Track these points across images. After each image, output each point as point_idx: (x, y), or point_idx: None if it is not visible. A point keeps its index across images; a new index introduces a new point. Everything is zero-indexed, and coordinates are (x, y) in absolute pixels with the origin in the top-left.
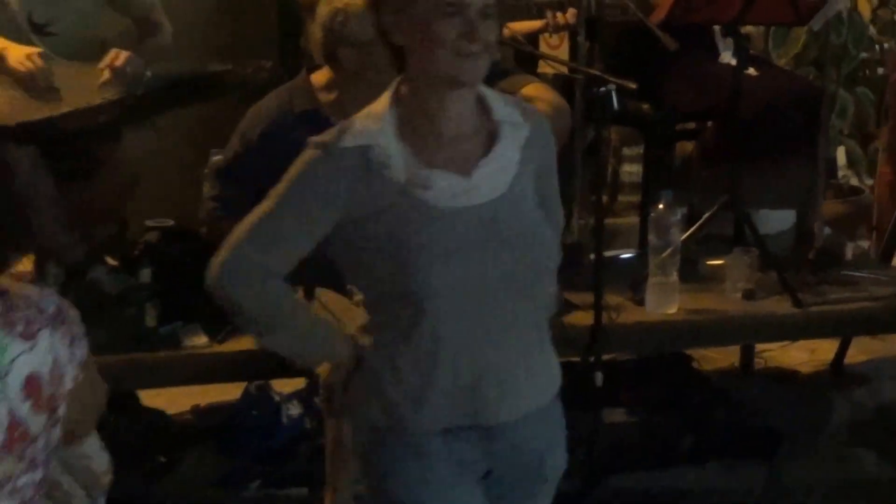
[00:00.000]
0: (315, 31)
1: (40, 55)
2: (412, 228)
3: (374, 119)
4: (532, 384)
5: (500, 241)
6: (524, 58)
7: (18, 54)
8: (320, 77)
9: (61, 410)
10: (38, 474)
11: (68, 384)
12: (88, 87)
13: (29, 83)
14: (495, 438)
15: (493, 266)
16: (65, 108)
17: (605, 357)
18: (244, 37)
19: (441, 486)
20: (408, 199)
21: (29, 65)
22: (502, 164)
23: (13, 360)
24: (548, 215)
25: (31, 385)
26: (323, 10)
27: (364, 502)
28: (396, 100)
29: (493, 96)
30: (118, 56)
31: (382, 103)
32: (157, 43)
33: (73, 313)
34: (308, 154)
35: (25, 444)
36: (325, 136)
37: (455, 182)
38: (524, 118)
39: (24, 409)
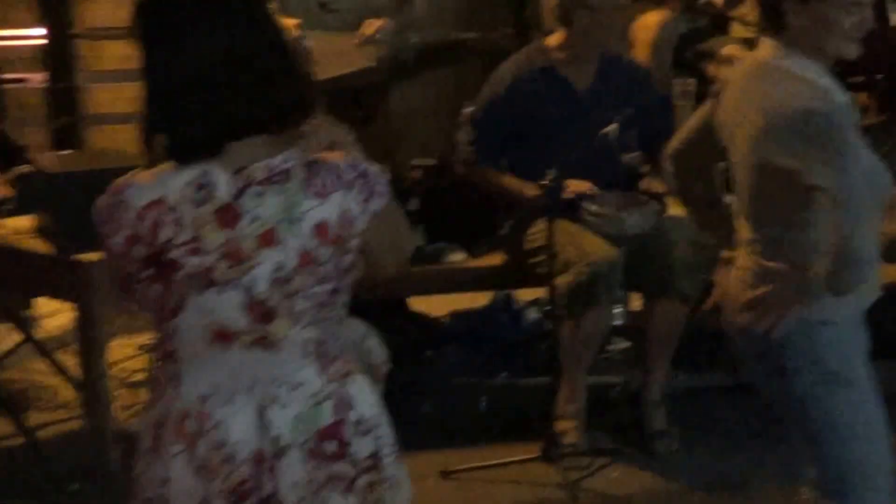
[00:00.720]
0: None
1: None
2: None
3: (816, 72)
4: None
5: None
6: (719, 22)
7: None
8: (553, 40)
9: (352, 244)
10: (329, 286)
11: (359, 227)
12: (355, 51)
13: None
14: None
15: None
16: (345, 70)
17: None
18: (482, 8)
19: (864, 360)
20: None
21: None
22: None
23: (305, 212)
24: None
25: (320, 228)
26: None
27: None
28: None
29: None
30: (372, 25)
31: (809, 64)
32: (411, 14)
33: (381, 180)
34: (828, 112)
35: (315, 266)
36: (818, 96)
37: None
38: None
39: (313, 243)
